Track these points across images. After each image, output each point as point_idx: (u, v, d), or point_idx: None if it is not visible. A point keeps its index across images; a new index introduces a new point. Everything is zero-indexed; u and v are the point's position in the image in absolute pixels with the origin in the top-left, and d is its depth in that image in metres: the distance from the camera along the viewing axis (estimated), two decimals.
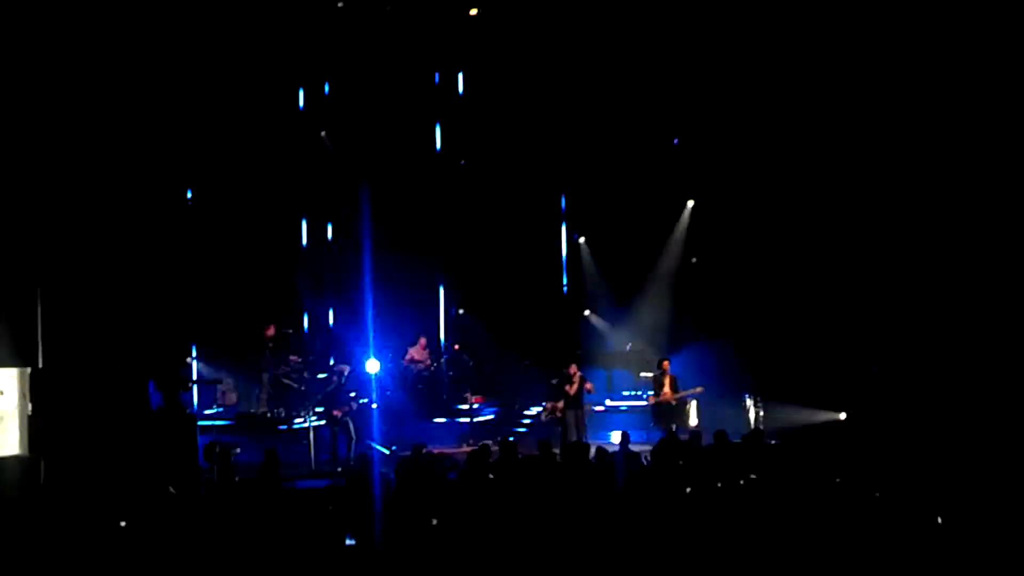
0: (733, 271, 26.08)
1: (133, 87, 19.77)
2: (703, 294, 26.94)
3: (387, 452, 21.63)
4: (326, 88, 27.11)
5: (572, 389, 23.09)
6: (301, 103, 27.05)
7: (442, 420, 25.01)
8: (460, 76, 27.70)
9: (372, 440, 22.33)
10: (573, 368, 23.35)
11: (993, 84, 23.00)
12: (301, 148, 26.90)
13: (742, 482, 16.15)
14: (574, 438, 22.28)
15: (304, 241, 27.36)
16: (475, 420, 24.87)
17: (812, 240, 25.15)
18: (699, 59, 25.65)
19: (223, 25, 24.02)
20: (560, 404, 23.29)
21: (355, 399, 22.57)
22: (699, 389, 24.61)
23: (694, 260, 27.60)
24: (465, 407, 25.09)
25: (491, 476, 16.14)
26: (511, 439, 18.53)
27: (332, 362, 25.21)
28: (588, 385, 23.24)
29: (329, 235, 27.48)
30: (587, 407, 23.81)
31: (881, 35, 23.70)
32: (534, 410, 25.37)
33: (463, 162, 28.05)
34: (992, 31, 22.74)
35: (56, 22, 18.94)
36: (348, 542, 13.12)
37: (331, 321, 27.22)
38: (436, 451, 17.65)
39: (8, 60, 18.58)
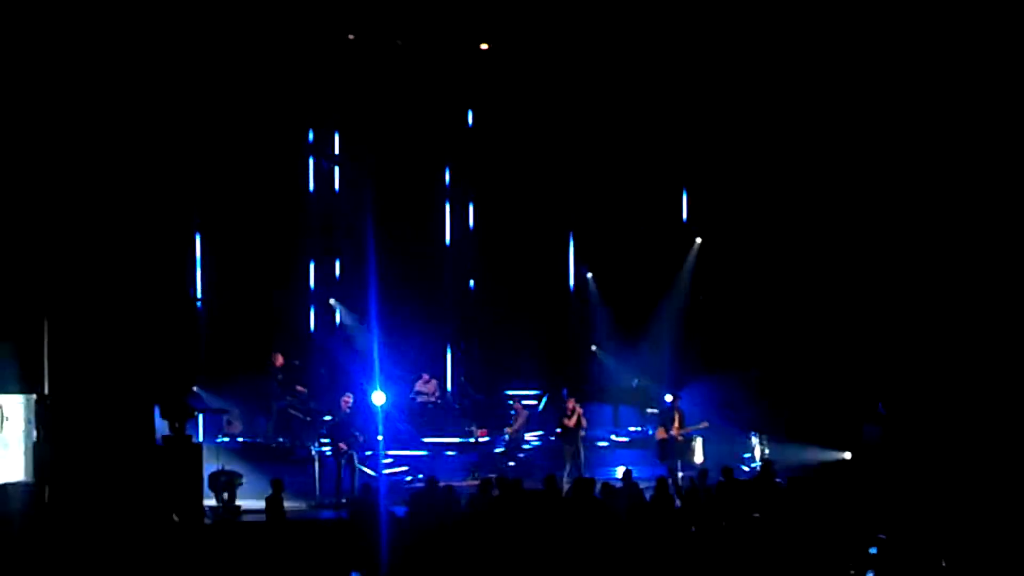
0: (741, 308, 26.07)
1: (146, 120, 19.86)
2: (711, 330, 26.92)
3: (372, 474, 21.60)
4: (335, 120, 27.25)
5: (570, 423, 23.15)
6: (311, 136, 27.15)
7: (448, 452, 24.94)
8: (470, 110, 27.74)
9: (367, 465, 22.29)
10: (571, 403, 23.39)
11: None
12: (309, 179, 27.07)
13: (747, 521, 16.15)
14: (573, 472, 22.31)
15: (312, 275, 27.36)
16: (481, 453, 24.85)
17: (820, 279, 25.18)
18: (707, 93, 25.76)
19: (232, 53, 24.22)
20: (510, 430, 23.91)
21: (360, 431, 22.55)
22: (704, 424, 24.56)
23: (701, 298, 27.61)
24: (471, 440, 25.13)
25: (496, 512, 16.15)
26: (509, 476, 18.56)
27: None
28: (583, 422, 23.32)
29: (337, 269, 27.49)
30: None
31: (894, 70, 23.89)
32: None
33: (470, 197, 28.15)
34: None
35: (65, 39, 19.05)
36: None
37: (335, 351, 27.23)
38: (442, 484, 17.60)
39: (15, 87, 18.67)
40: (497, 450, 24.74)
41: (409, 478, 22.56)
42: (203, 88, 23.06)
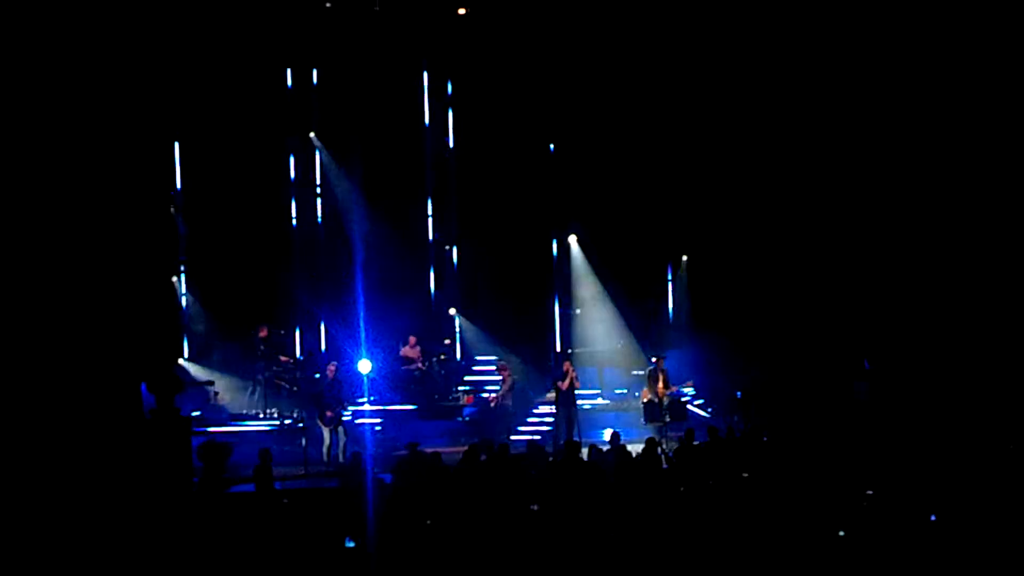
0: (727, 268, 26.09)
1: (123, 103, 19.68)
2: (697, 290, 26.97)
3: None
4: (314, 81, 27.09)
5: (564, 385, 23.05)
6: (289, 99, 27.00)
7: (435, 419, 24.96)
8: (449, 75, 27.65)
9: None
10: (567, 364, 23.34)
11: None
12: (290, 146, 26.95)
13: (735, 480, 16.21)
14: (565, 435, 22.29)
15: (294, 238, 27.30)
16: (468, 419, 24.89)
17: (806, 237, 25.25)
18: (693, 64, 25.71)
19: (212, 25, 24.03)
20: (496, 396, 24.12)
21: (346, 399, 22.56)
22: (689, 384, 24.59)
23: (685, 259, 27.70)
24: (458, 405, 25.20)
25: (484, 477, 16.20)
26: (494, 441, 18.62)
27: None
28: (576, 384, 23.28)
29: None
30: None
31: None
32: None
33: (447, 155, 28.07)
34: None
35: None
36: (348, 544, 13.13)
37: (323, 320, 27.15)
38: (429, 451, 17.63)
39: None
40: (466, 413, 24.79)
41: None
42: (178, 61, 22.80)
